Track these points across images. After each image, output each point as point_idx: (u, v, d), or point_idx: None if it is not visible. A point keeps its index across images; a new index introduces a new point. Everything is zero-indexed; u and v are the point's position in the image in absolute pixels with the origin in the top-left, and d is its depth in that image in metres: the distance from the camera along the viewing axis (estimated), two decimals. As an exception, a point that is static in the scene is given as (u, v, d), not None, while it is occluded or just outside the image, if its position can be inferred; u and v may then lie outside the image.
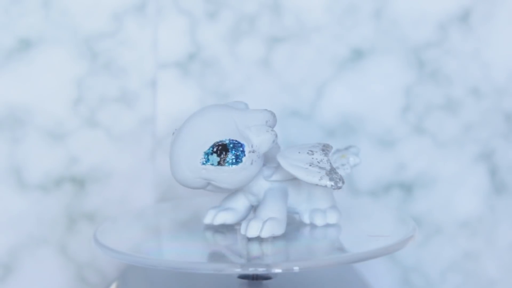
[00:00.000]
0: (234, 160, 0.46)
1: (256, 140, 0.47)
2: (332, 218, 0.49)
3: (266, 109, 0.48)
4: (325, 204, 0.50)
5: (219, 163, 0.46)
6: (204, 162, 0.46)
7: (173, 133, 0.48)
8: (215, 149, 0.46)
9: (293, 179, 0.48)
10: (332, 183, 0.45)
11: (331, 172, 0.46)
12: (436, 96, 0.63)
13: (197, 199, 0.59)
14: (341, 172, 0.52)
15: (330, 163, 0.47)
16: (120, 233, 0.51)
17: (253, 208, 0.49)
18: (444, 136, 0.64)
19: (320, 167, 0.46)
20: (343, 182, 0.46)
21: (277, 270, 0.43)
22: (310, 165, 0.46)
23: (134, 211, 0.61)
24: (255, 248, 0.46)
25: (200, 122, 0.47)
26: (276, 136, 0.47)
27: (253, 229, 0.47)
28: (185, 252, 0.47)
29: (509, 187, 0.65)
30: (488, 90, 0.64)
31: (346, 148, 0.53)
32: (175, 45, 0.62)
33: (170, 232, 0.52)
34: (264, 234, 0.46)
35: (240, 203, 0.50)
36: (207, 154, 0.46)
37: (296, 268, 0.43)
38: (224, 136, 0.46)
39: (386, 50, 0.63)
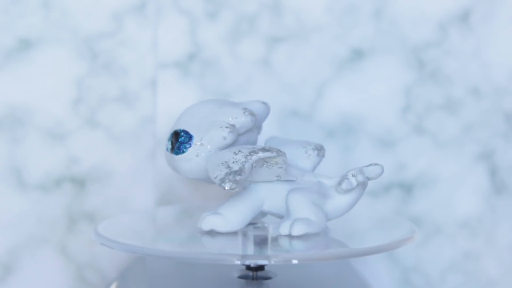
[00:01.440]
0: (178, 149, 0.48)
1: (207, 135, 0.48)
2: (295, 229, 0.47)
3: (244, 108, 0.49)
4: (297, 214, 0.48)
5: (170, 150, 0.49)
6: (166, 148, 0.49)
7: None
8: (171, 137, 0.49)
9: (272, 182, 0.49)
10: (219, 182, 0.45)
11: (232, 173, 0.45)
12: (436, 96, 0.63)
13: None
14: (337, 189, 0.49)
15: (243, 166, 0.46)
16: (119, 228, 0.51)
17: None
18: (444, 136, 0.64)
19: (228, 166, 0.46)
20: (232, 185, 0.45)
21: (275, 261, 0.43)
22: (222, 163, 0.46)
23: (135, 210, 0.61)
24: (255, 247, 0.46)
25: (183, 113, 0.50)
26: (230, 133, 0.48)
27: (200, 221, 0.49)
28: (185, 246, 0.47)
29: (509, 187, 0.65)
30: (488, 90, 0.64)
31: (367, 165, 0.48)
32: (175, 45, 0.62)
33: (171, 228, 0.52)
34: (203, 227, 0.49)
35: None
36: (168, 140, 0.49)
37: (294, 261, 0.43)
38: (182, 126, 0.48)
39: (386, 50, 0.63)
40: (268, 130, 0.60)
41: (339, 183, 0.49)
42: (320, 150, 0.52)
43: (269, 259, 0.44)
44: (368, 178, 0.48)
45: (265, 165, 0.47)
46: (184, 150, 0.48)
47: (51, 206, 0.62)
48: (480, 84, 0.64)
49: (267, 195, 0.49)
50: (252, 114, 0.48)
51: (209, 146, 0.48)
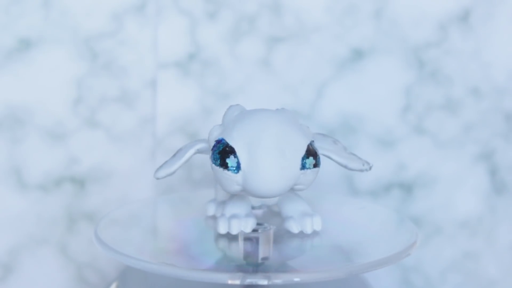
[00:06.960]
0: (319, 162, 0.47)
1: None
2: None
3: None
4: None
5: (314, 166, 0.46)
6: (309, 167, 0.46)
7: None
8: (306, 155, 0.46)
9: None
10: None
11: None
12: (436, 96, 0.63)
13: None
14: None
15: None
16: (120, 232, 0.51)
17: None
18: (444, 136, 0.64)
19: None
20: None
21: (277, 281, 0.43)
22: None
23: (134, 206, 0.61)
24: (256, 255, 0.46)
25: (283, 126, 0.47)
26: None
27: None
28: (185, 254, 0.47)
29: (509, 187, 0.65)
30: (488, 90, 0.64)
31: None
32: (175, 45, 0.62)
33: (170, 230, 0.52)
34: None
35: None
36: (306, 159, 0.46)
37: (296, 279, 0.43)
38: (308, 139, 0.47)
39: (386, 50, 0.63)
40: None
41: None
42: None
43: (271, 279, 0.43)
44: None
45: None
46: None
47: (51, 206, 0.62)
48: (480, 84, 0.64)
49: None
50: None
51: None
